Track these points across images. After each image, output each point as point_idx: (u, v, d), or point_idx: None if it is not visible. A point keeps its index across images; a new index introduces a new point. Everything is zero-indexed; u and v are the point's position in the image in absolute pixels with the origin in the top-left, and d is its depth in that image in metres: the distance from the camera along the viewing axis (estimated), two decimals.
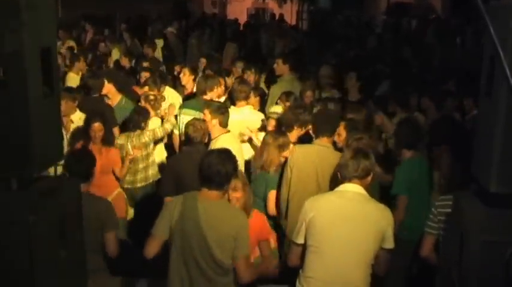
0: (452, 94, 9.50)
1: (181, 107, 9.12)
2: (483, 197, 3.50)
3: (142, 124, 8.40)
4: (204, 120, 7.39)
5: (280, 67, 10.77)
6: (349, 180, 5.04)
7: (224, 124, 7.46)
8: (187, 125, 7.27)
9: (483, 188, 3.43)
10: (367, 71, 12.14)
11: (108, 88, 9.45)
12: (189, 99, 9.67)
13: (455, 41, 19.74)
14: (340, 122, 6.94)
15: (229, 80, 10.63)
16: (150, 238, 4.95)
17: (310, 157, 6.52)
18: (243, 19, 26.46)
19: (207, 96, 9.02)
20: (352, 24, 24.91)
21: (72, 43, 16.24)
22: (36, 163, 3.33)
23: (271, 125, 7.96)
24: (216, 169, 4.84)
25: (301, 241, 5.07)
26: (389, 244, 4.95)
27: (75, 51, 14.73)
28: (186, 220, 4.82)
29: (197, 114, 8.20)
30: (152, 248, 4.93)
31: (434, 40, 18.83)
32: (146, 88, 9.73)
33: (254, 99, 9.14)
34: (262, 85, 11.37)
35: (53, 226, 3.37)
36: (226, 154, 5.04)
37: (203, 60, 12.56)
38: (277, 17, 25.90)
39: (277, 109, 8.63)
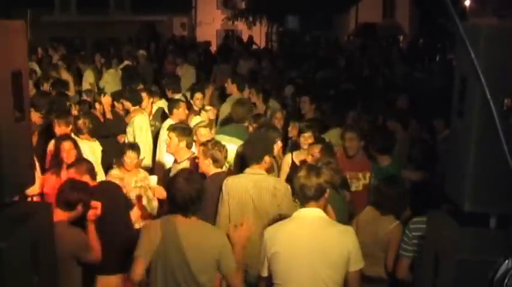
0: (418, 114, 9.69)
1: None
2: (457, 216, 3.51)
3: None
4: None
5: (229, 86, 10.96)
6: (306, 203, 4.88)
7: (190, 146, 7.38)
8: None
9: (457, 207, 3.44)
10: (336, 90, 12.25)
11: (33, 115, 9.29)
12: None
13: (423, 61, 19.96)
14: (273, 146, 6.83)
15: (198, 101, 10.57)
16: (135, 260, 4.80)
17: (244, 187, 6.22)
18: (212, 41, 26.52)
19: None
20: (320, 44, 25.06)
21: (34, 66, 16.03)
22: (7, 188, 3.27)
23: (199, 134, 7.92)
24: (189, 196, 4.79)
25: (266, 273, 4.98)
26: (357, 265, 4.79)
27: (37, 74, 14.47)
28: (168, 244, 4.76)
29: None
30: (139, 270, 4.77)
31: (400, 60, 18.99)
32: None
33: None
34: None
35: (24, 252, 3.31)
36: (192, 177, 5.00)
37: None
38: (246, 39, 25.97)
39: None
